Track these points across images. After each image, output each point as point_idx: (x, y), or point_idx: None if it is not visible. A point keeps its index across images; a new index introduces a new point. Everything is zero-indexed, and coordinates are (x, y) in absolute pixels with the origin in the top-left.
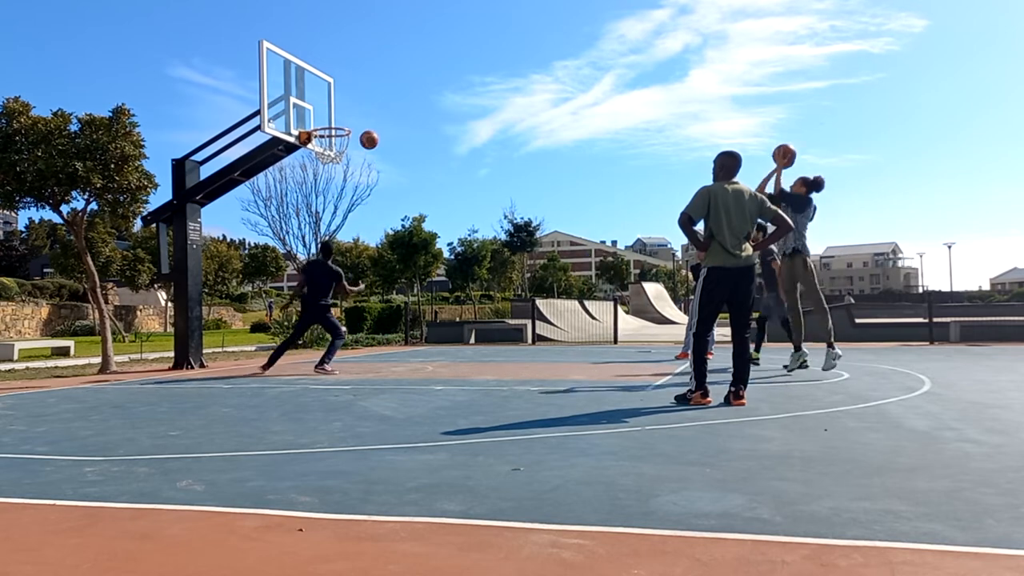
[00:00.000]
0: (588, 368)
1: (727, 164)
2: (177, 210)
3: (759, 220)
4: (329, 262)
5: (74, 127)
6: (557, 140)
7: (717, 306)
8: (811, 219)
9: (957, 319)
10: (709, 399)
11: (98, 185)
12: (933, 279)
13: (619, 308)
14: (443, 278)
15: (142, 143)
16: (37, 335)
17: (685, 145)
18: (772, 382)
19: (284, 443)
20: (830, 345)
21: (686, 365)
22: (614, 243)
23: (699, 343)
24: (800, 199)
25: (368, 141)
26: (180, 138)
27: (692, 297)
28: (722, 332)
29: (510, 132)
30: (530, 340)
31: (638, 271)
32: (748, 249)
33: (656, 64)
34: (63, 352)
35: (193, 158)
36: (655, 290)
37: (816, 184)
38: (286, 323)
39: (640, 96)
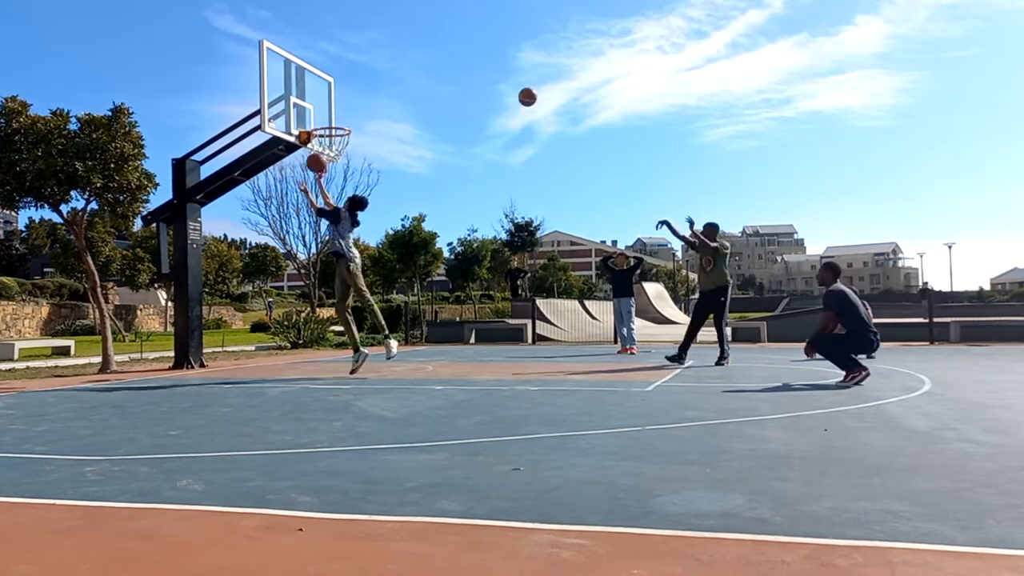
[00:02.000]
0: (588, 368)
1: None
2: (177, 210)
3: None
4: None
5: (73, 126)
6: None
7: None
8: (350, 229)
9: (957, 319)
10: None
11: (98, 185)
12: (933, 279)
13: None
14: (443, 278)
15: (142, 142)
16: (37, 334)
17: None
18: (773, 383)
19: (284, 443)
20: (386, 336)
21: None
22: (614, 243)
23: None
24: (332, 213)
25: (527, 97)
26: (231, 110)
27: (692, 298)
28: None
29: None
30: (530, 340)
31: (638, 271)
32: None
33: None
34: (63, 352)
35: (193, 158)
36: (655, 290)
37: (357, 203)
38: (286, 323)
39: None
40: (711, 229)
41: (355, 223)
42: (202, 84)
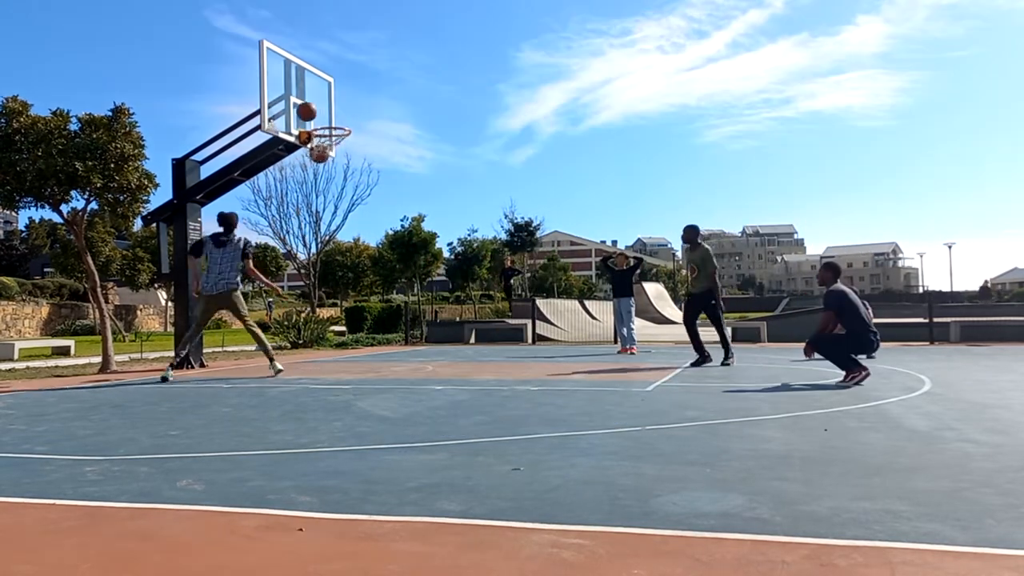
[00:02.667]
0: (588, 368)
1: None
2: (177, 210)
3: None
4: None
5: (74, 126)
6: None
7: None
8: (231, 255)
9: (957, 319)
10: None
11: (98, 185)
12: (933, 279)
13: None
14: (443, 278)
15: (142, 143)
16: (37, 334)
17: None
18: (773, 383)
19: (284, 443)
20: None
21: (686, 365)
22: (614, 243)
23: None
24: (194, 245)
25: (319, 156)
26: (231, 110)
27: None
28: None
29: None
30: (530, 340)
31: (638, 271)
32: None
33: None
34: (63, 352)
35: (193, 158)
36: (655, 290)
37: (226, 222)
38: (286, 323)
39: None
40: (692, 231)
41: (220, 242)
42: (202, 84)
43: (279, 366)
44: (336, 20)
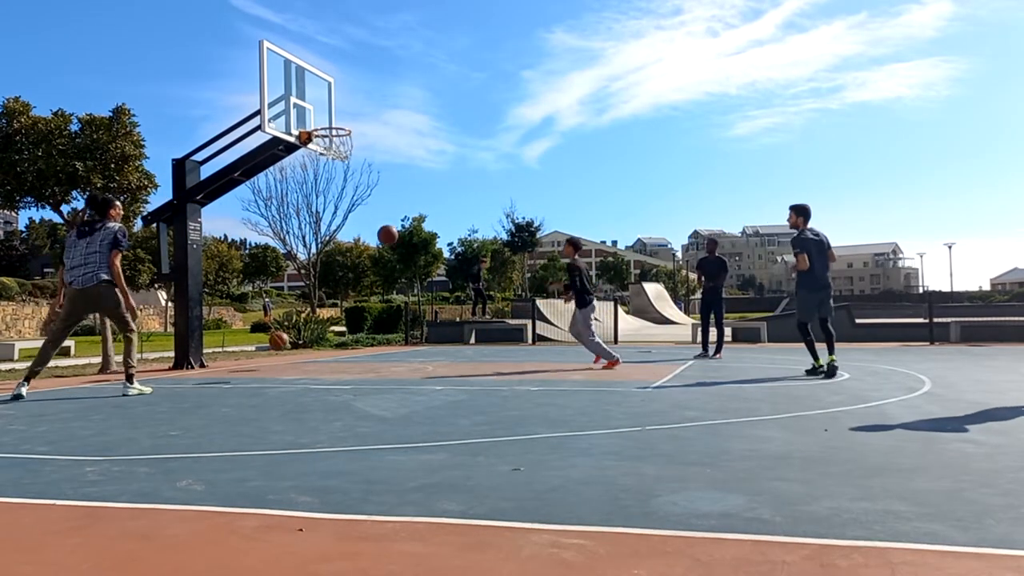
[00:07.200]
0: (588, 368)
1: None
2: (177, 210)
3: None
4: None
5: (74, 127)
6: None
7: None
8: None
9: (957, 319)
10: None
11: (98, 185)
12: (933, 279)
13: (619, 308)
14: (443, 278)
15: (142, 143)
16: (37, 335)
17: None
18: (773, 383)
19: (284, 443)
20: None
21: (683, 368)
22: (614, 243)
23: None
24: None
25: (386, 236)
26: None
27: (694, 298)
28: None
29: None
30: (530, 340)
31: (638, 271)
32: None
33: None
34: (63, 352)
35: (193, 158)
36: (655, 290)
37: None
38: (285, 323)
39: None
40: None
41: (87, 230)
42: (218, 70)
43: (139, 388)
44: (363, 2)
